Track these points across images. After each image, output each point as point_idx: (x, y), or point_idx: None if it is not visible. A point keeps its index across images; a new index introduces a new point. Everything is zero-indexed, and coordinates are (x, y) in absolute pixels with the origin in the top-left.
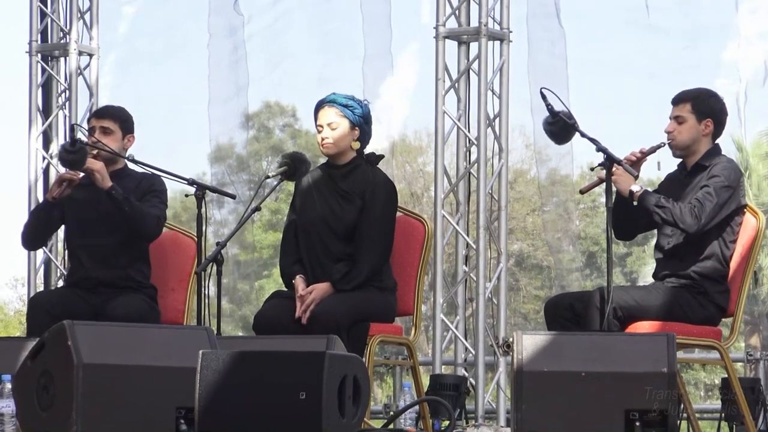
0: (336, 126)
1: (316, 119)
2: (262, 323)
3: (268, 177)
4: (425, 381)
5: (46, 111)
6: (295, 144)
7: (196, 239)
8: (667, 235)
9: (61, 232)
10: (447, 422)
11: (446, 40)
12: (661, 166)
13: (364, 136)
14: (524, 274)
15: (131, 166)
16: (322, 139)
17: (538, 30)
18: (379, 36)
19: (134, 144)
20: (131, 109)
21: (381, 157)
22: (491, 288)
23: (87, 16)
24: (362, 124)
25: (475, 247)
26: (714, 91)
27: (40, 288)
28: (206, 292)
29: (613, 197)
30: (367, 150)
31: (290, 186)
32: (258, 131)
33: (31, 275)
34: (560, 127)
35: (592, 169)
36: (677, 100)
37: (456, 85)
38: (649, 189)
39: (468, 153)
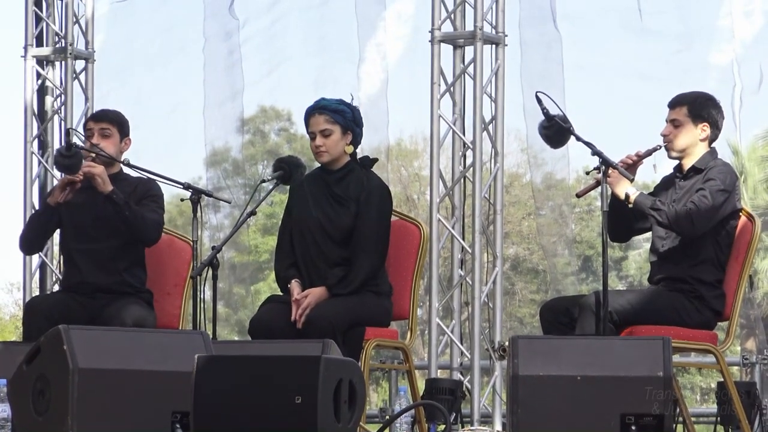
0: (329, 133)
1: (307, 126)
2: (258, 327)
3: (263, 181)
4: (421, 385)
5: (41, 116)
6: (291, 148)
7: (191, 243)
8: (662, 238)
9: (56, 236)
10: (443, 426)
11: (441, 43)
12: (657, 168)
13: (357, 139)
14: (520, 278)
15: (126, 170)
16: (317, 147)
17: (534, 34)
18: (374, 40)
19: (130, 148)
20: (127, 113)
21: (375, 160)
22: (487, 292)
23: (82, 21)
24: (354, 128)
25: (470, 251)
26: (711, 95)
27: (36, 292)
28: (202, 297)
29: (608, 200)
30: (363, 153)
31: (285, 191)
32: (253, 135)
33: (27, 280)
34: (555, 131)
35: (587, 173)
36: (674, 104)
37: (451, 89)
38: (645, 192)
39: (463, 157)
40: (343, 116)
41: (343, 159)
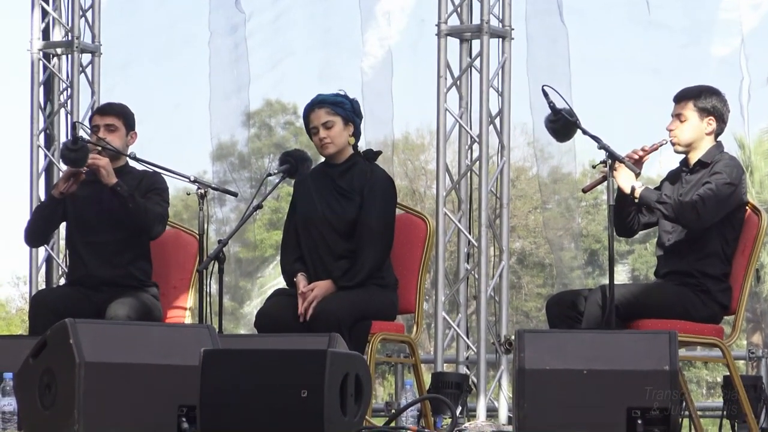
0: (331, 124)
1: (308, 124)
2: (264, 321)
3: (270, 175)
4: (427, 379)
5: (47, 109)
6: (297, 141)
7: (197, 237)
8: (668, 232)
9: (62, 229)
10: (449, 420)
11: (448, 37)
12: (663, 163)
13: (357, 130)
14: (526, 271)
15: (132, 163)
16: (321, 140)
17: (540, 27)
18: (378, 33)
19: (136, 142)
20: (133, 106)
21: (378, 153)
22: (493, 286)
23: (89, 14)
24: (354, 119)
25: (476, 244)
26: (716, 89)
27: (42, 286)
28: (208, 290)
29: (615, 194)
30: (369, 147)
31: (291, 184)
32: (259, 129)
33: (33, 273)
34: (562, 125)
35: (594, 167)
36: (679, 98)
37: (458, 82)
38: (650, 186)
39: (470, 151)
40: (342, 108)
41: (347, 152)
